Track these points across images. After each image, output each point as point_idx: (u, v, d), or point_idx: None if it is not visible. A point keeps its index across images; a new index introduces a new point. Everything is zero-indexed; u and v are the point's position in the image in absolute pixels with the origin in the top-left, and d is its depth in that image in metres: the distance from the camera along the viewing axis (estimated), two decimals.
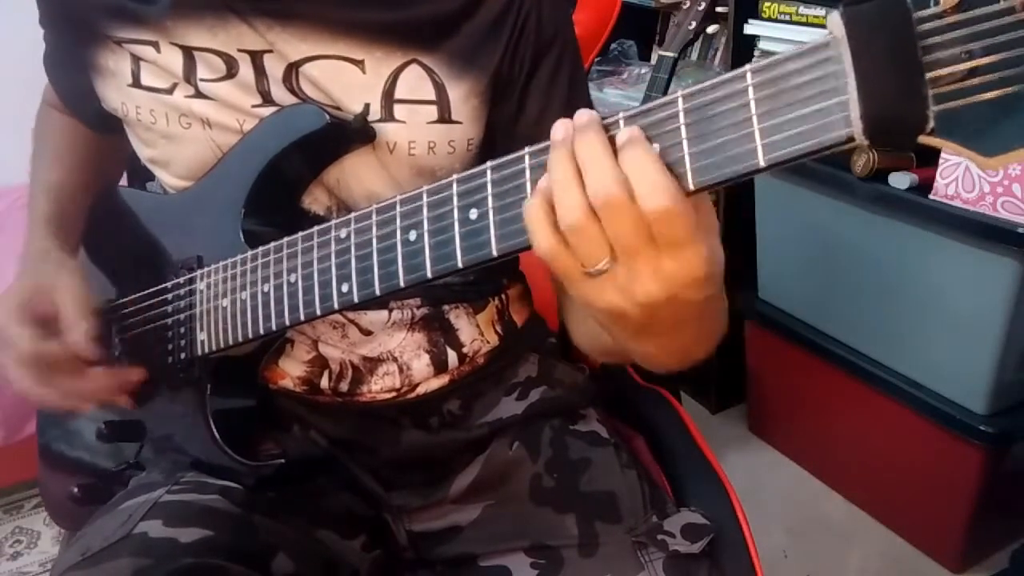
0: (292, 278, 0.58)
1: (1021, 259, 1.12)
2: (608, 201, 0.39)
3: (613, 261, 0.41)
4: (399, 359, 0.72)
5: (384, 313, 0.71)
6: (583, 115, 0.42)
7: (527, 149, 0.44)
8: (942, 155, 1.19)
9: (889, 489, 1.48)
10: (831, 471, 1.61)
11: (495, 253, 0.45)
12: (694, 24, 1.53)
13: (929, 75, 0.34)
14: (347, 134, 0.63)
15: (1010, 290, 1.15)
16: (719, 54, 1.81)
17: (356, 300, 0.53)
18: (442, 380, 0.74)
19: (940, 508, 1.38)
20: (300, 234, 0.57)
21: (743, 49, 1.52)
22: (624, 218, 0.40)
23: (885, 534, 1.49)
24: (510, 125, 0.68)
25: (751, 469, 1.67)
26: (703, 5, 1.52)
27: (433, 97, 0.64)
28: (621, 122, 0.42)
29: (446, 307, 0.73)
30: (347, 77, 0.64)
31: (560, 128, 0.42)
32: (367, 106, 0.63)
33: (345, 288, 0.54)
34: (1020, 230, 1.09)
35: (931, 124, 0.34)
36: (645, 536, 0.64)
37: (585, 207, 0.40)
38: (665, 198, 0.38)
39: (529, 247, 0.44)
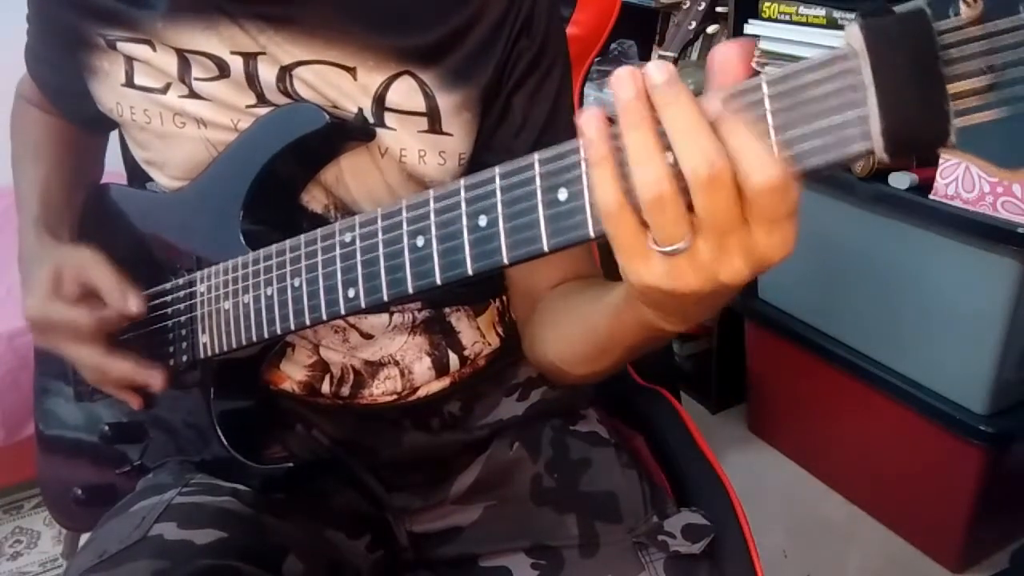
0: (296, 282, 0.57)
1: (1021, 259, 1.12)
2: (714, 176, 0.35)
3: (694, 238, 0.37)
4: (400, 362, 0.72)
5: (385, 317, 0.71)
6: (661, 70, 0.37)
7: (536, 155, 0.42)
8: (943, 155, 1.19)
9: (889, 489, 1.48)
10: (831, 471, 1.61)
11: (506, 261, 0.44)
12: (694, 24, 1.53)
13: (950, 89, 0.33)
14: (347, 132, 0.63)
15: (1010, 290, 1.15)
16: None
17: (364, 305, 0.53)
18: (443, 382, 0.74)
19: (940, 508, 1.38)
20: (302, 237, 0.57)
21: None
22: (725, 194, 0.36)
23: (885, 534, 1.49)
24: (488, 135, 0.67)
25: (751, 469, 1.67)
26: (703, 5, 1.52)
27: (423, 109, 0.64)
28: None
29: (447, 310, 0.73)
30: (338, 82, 0.63)
31: (628, 83, 0.37)
32: (361, 110, 0.63)
33: (352, 293, 0.53)
34: (1020, 230, 1.09)
35: (952, 139, 0.34)
36: (645, 536, 0.64)
37: (672, 180, 0.36)
38: (775, 171, 0.35)
39: (541, 255, 0.43)
